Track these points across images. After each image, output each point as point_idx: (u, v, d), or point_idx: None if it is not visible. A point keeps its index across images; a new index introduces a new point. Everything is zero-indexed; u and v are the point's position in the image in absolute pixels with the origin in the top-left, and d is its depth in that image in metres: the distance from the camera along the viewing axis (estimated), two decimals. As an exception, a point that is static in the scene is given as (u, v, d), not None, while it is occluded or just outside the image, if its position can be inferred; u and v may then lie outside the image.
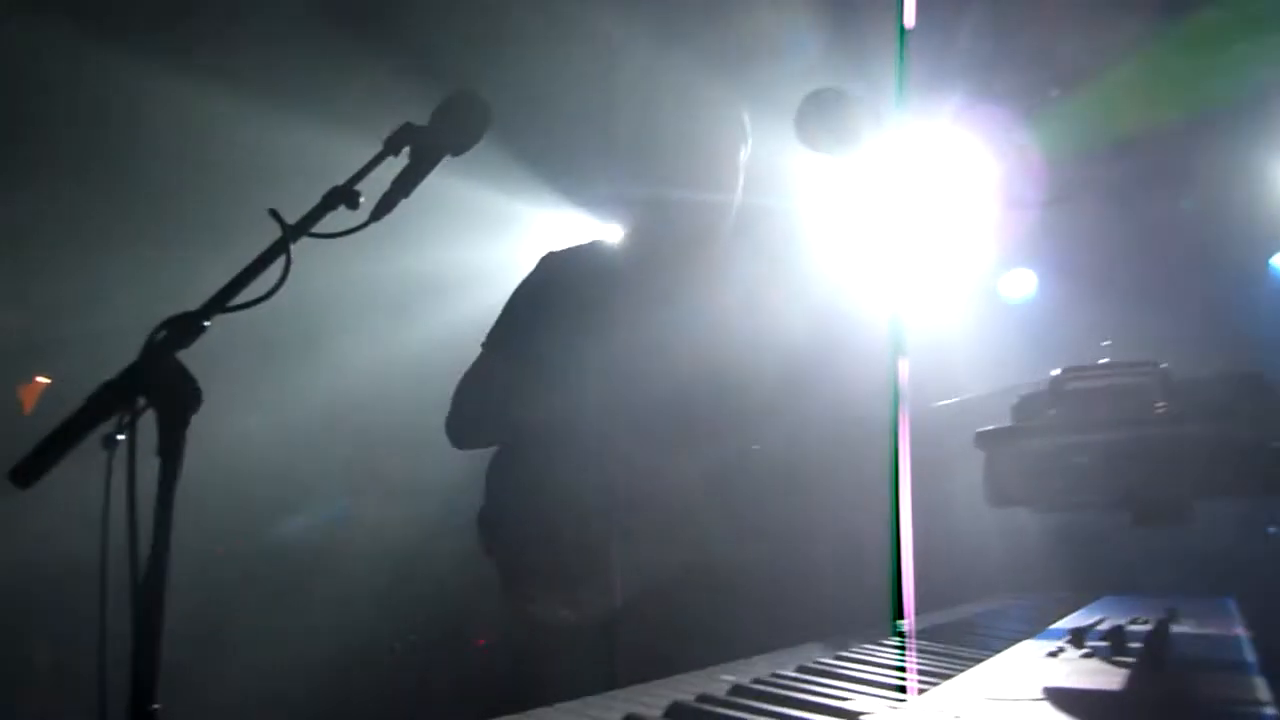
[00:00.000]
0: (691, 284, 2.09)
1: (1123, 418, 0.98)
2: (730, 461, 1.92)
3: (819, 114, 1.67)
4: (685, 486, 1.91)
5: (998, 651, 1.23)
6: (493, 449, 2.06)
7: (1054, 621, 1.58)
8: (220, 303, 1.27)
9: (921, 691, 0.96)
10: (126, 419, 1.14)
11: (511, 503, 1.97)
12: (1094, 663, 1.09)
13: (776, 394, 1.87)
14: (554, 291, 2.09)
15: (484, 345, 2.11)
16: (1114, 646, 1.14)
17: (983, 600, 2.12)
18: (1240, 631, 1.31)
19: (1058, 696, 0.93)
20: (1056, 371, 1.03)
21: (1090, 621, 1.40)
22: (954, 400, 1.73)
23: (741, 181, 1.98)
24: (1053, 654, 1.15)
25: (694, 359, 1.98)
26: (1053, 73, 1.29)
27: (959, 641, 1.34)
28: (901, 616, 1.83)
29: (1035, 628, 1.50)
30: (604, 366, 1.95)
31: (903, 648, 1.31)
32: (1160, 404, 0.96)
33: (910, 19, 2.78)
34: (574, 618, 1.85)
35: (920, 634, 1.44)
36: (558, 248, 2.19)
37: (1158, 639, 1.08)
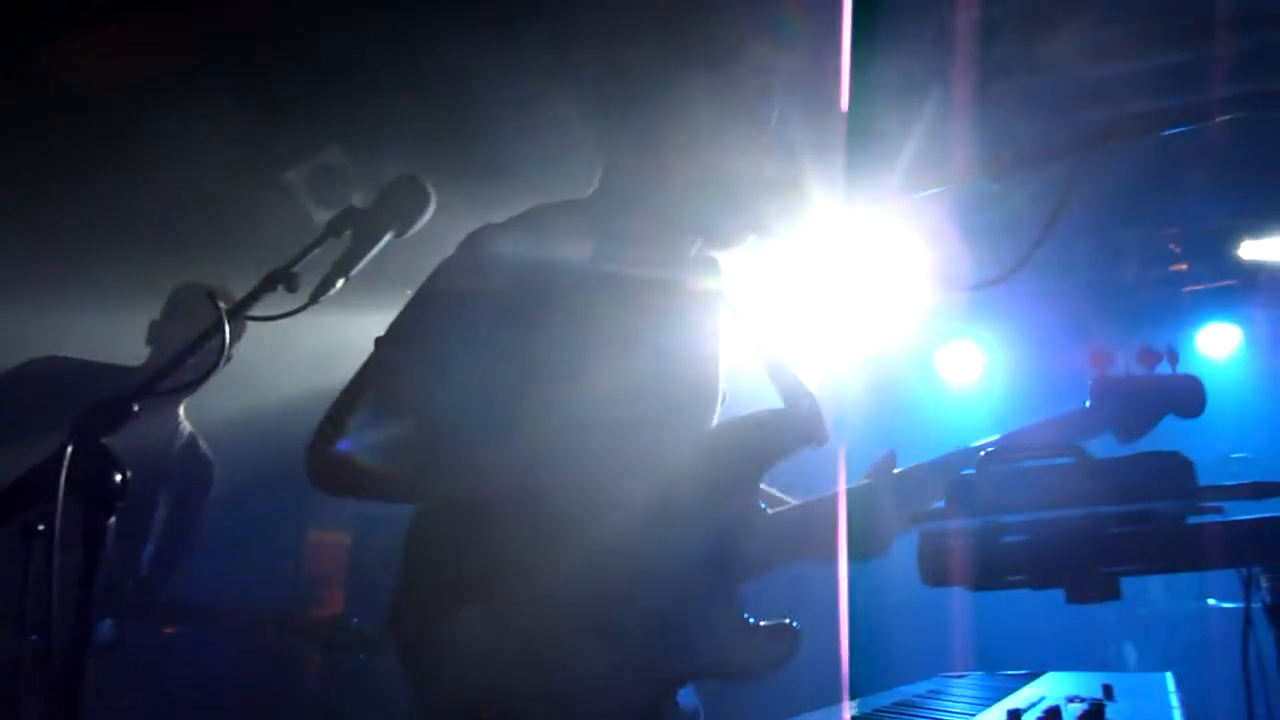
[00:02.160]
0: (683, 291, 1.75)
1: (1045, 500, 1.00)
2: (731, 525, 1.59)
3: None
4: (687, 567, 1.54)
5: (937, 733, 1.23)
6: (406, 503, 1.57)
7: (997, 700, 1.58)
8: (151, 387, 1.26)
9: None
10: (50, 507, 1.11)
11: (453, 593, 1.46)
12: (1027, 744, 1.09)
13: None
14: (499, 271, 1.56)
15: (382, 341, 1.55)
16: (1049, 726, 1.15)
17: (932, 678, 2.11)
18: (1174, 706, 1.33)
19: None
20: (984, 453, 1.06)
21: (1029, 701, 1.41)
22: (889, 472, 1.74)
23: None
24: (988, 735, 1.16)
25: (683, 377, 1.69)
26: (987, 160, 1.35)
27: (899, 723, 1.34)
28: (845, 697, 1.79)
29: (977, 707, 1.50)
30: (569, 383, 1.54)
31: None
32: (1082, 484, 0.99)
33: (844, 103, 2.89)
34: None
35: (860, 718, 1.44)
36: (495, 223, 1.65)
37: (1091, 717, 1.09)
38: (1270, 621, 1.21)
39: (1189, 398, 1.62)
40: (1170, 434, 1.67)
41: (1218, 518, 1.08)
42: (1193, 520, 1.07)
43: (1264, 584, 1.22)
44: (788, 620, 1.61)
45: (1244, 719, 1.46)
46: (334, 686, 4.04)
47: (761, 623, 1.59)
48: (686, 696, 1.71)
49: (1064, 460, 1.00)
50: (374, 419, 1.48)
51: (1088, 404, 1.66)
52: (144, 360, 3.06)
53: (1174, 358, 1.60)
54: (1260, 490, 1.04)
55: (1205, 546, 1.08)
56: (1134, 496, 0.99)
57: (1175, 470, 0.99)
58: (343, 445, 1.48)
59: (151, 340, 3.10)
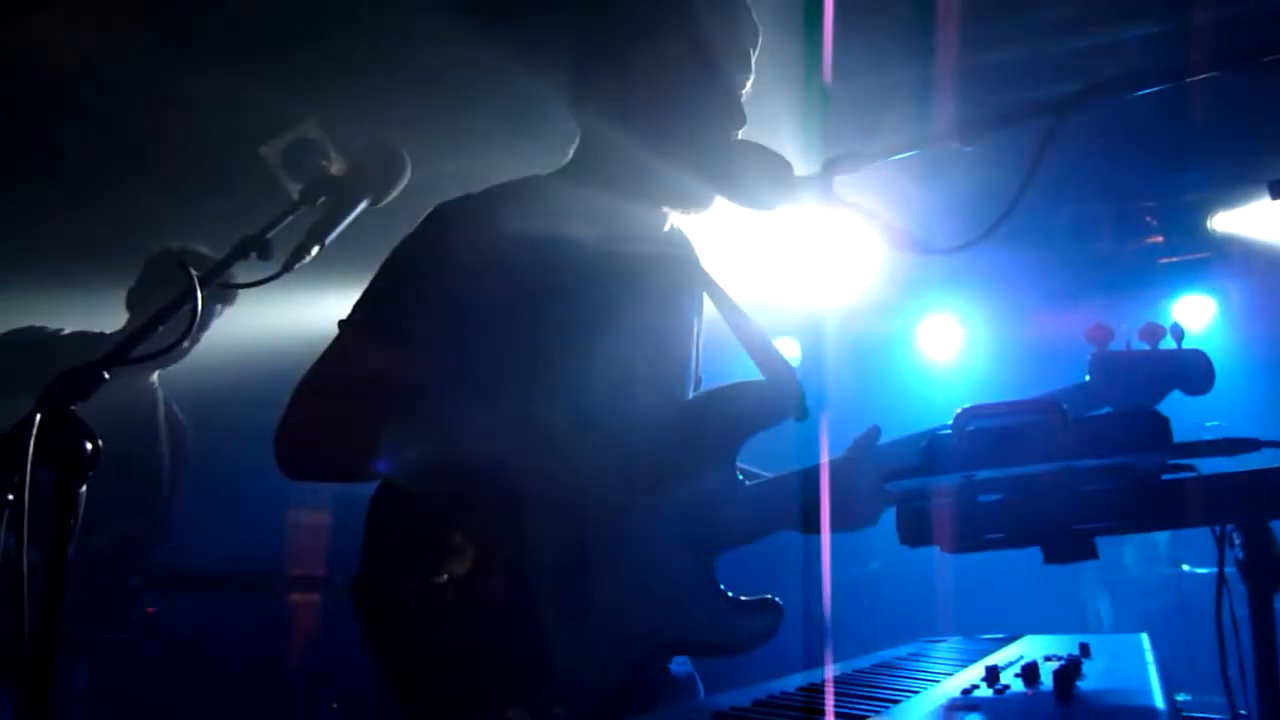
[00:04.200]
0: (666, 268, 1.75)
1: (1022, 456, 1.01)
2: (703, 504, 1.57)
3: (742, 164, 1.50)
4: (664, 540, 1.53)
5: (917, 692, 1.25)
6: (363, 484, 1.52)
7: (977, 661, 1.60)
8: (122, 354, 1.24)
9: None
10: (18, 478, 1.09)
11: (415, 572, 1.43)
12: (1005, 699, 1.10)
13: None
14: (468, 249, 1.52)
15: (346, 324, 1.51)
16: (1027, 682, 1.16)
17: (912, 641, 2.12)
18: (1149, 664, 1.34)
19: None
20: (959, 410, 1.06)
21: (1009, 660, 1.43)
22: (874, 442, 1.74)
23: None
24: (966, 691, 1.17)
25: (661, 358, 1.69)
26: (944, 126, 1.34)
27: (879, 684, 1.35)
28: (829, 660, 1.80)
29: (957, 668, 1.52)
30: (546, 361, 1.53)
31: (822, 691, 1.31)
32: (1058, 442, 0.99)
33: (827, 73, 2.87)
34: None
35: (841, 678, 1.45)
36: (461, 198, 1.61)
37: (1068, 673, 1.10)
38: (1243, 579, 1.22)
39: (1197, 373, 1.60)
40: (1146, 401, 1.67)
41: (1192, 475, 1.09)
42: (1167, 478, 1.08)
43: (1237, 541, 1.22)
44: (769, 595, 1.62)
45: (1215, 678, 1.48)
46: (324, 647, 4.00)
47: (742, 598, 1.59)
48: (680, 664, 1.72)
49: (1039, 417, 1.01)
50: (341, 403, 1.45)
51: (1087, 379, 1.64)
52: (121, 328, 3.03)
53: (1179, 334, 1.60)
54: (1234, 446, 1.05)
55: (1180, 503, 1.09)
56: (1109, 452, 1.00)
57: (1150, 426, 0.99)
58: (310, 430, 1.45)
59: (130, 307, 3.06)
